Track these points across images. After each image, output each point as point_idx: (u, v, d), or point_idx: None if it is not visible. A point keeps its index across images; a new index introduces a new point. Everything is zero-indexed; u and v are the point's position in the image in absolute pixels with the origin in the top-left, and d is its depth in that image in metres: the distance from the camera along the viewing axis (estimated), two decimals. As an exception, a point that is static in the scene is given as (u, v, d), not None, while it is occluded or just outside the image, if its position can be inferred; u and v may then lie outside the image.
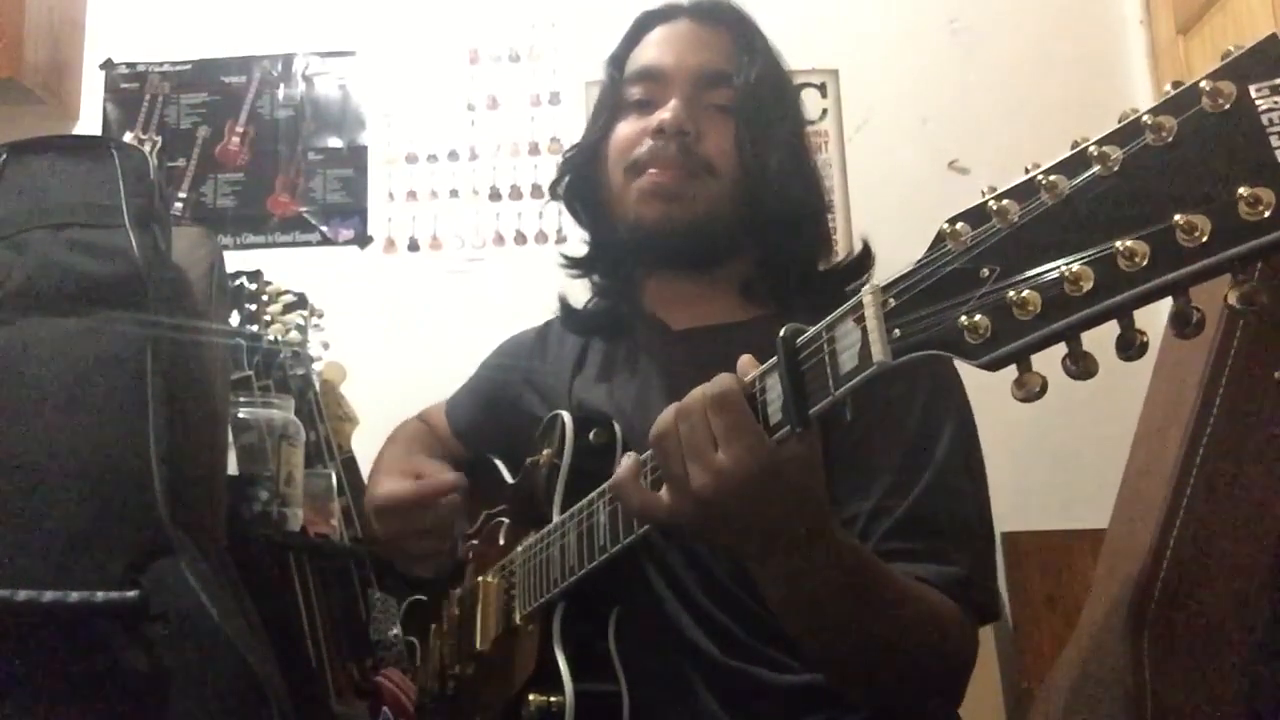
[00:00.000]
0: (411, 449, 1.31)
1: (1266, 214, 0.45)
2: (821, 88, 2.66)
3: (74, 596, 0.98)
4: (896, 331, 0.61)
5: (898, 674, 0.88)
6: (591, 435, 1.04)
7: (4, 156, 1.19)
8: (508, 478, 1.22)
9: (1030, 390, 0.55)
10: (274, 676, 1.03)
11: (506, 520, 1.18)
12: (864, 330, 0.63)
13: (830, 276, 1.14)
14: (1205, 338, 0.91)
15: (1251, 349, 0.89)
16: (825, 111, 2.65)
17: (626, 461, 0.82)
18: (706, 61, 1.12)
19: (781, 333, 0.71)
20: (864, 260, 1.12)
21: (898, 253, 0.64)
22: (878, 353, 0.62)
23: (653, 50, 1.15)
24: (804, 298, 1.06)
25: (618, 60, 1.19)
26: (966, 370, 1.01)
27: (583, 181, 1.21)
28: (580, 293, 1.28)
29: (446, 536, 1.19)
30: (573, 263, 1.25)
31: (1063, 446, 2.36)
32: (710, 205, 1.08)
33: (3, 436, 1.05)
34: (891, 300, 0.62)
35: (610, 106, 1.17)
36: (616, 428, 1.04)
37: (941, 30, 2.68)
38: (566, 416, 1.06)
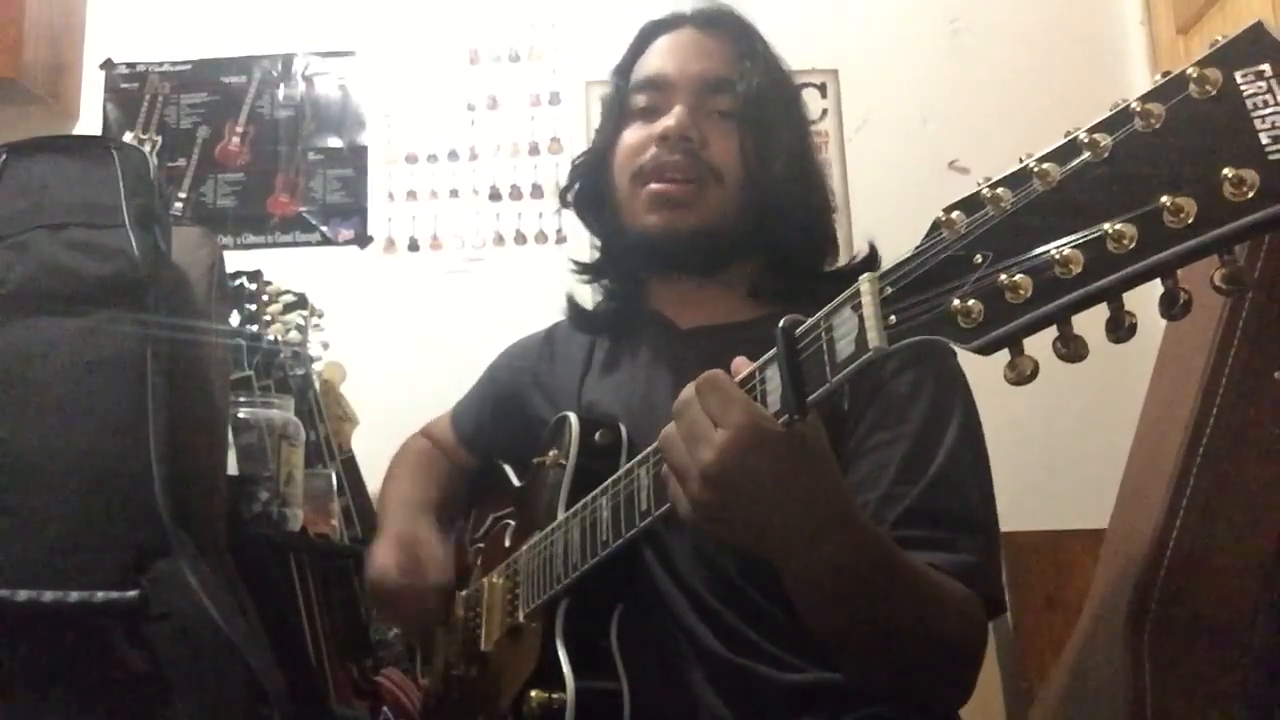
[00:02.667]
0: (416, 486, 1.31)
1: (1250, 195, 0.46)
2: (821, 88, 2.66)
3: (74, 596, 0.98)
4: (893, 318, 0.62)
5: (916, 659, 0.88)
6: (597, 436, 1.05)
7: (4, 157, 1.19)
8: (514, 481, 1.22)
9: (1022, 373, 0.56)
10: (274, 676, 1.03)
11: (513, 522, 1.18)
12: (861, 317, 0.64)
13: (837, 277, 1.14)
14: (1205, 338, 0.91)
15: (1251, 349, 0.89)
16: (825, 111, 2.65)
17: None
18: (709, 69, 1.12)
19: (780, 323, 0.72)
20: (871, 261, 1.12)
21: (898, 252, 0.64)
22: (874, 339, 0.63)
23: (657, 59, 1.16)
24: (810, 297, 1.06)
25: (623, 70, 1.20)
26: (968, 368, 1.02)
27: (591, 189, 1.22)
28: (587, 293, 1.28)
29: (434, 618, 1.23)
30: (583, 268, 1.25)
31: (1063, 446, 2.37)
32: (717, 211, 1.09)
33: (3, 436, 1.05)
34: (888, 288, 0.63)
35: (616, 115, 1.18)
36: (622, 429, 1.05)
37: (941, 30, 2.68)
38: (573, 418, 1.07)
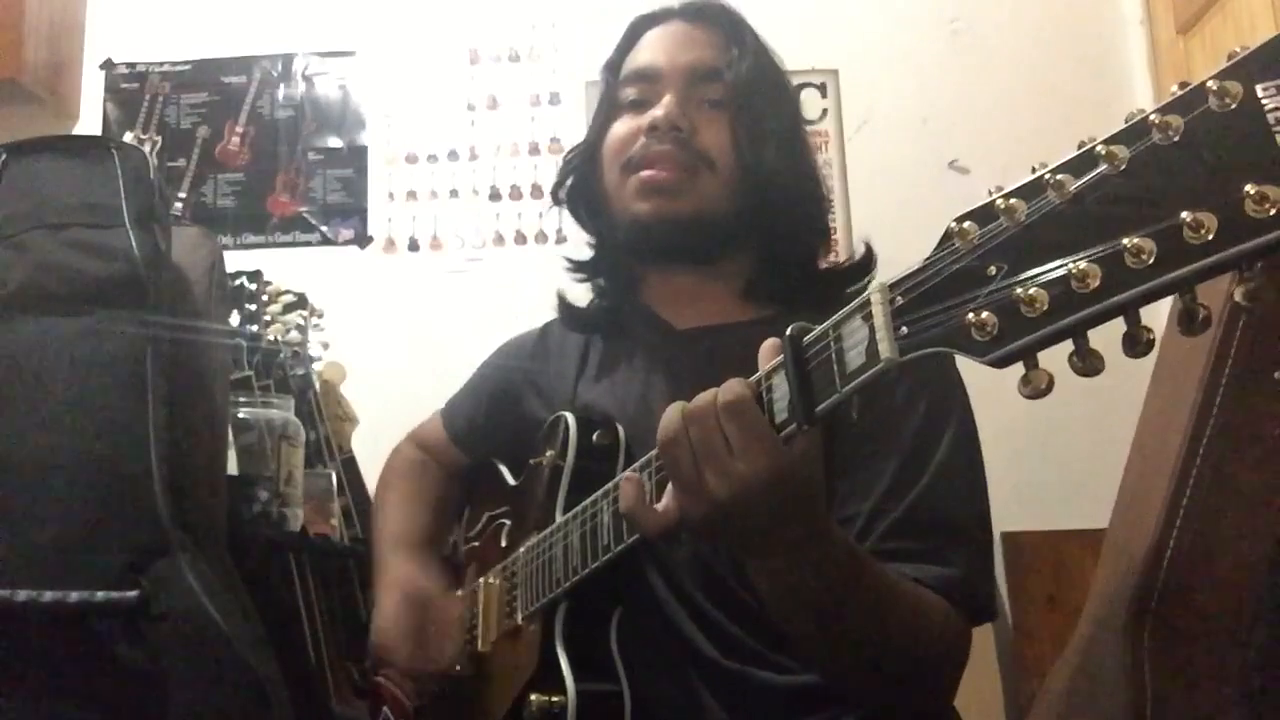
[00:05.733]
0: (413, 513, 1.29)
1: (1273, 211, 0.45)
2: (821, 88, 2.66)
3: (74, 596, 0.98)
4: (904, 329, 0.61)
5: (886, 672, 0.88)
6: (595, 436, 1.04)
7: (4, 157, 1.19)
8: (509, 480, 1.22)
9: (1037, 387, 0.55)
10: (274, 676, 1.03)
11: (508, 522, 1.18)
12: (871, 328, 0.63)
13: (833, 278, 1.14)
14: (1205, 338, 0.91)
15: (1251, 349, 0.89)
16: (825, 111, 2.65)
17: (628, 488, 0.81)
18: (698, 59, 1.12)
19: (788, 331, 0.71)
20: (867, 263, 1.12)
21: (898, 252, 0.64)
22: (885, 350, 0.62)
23: (646, 52, 1.16)
24: (807, 299, 1.06)
25: (613, 65, 1.20)
26: (969, 370, 1.02)
27: (582, 183, 1.21)
28: (579, 292, 1.28)
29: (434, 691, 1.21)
30: (577, 266, 1.25)
31: (1063, 446, 2.37)
32: (708, 199, 1.08)
33: (3, 436, 1.05)
34: (899, 298, 0.62)
35: (607, 108, 1.18)
36: (619, 429, 1.04)
37: (941, 30, 2.68)
38: (570, 418, 1.07)
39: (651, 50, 1.15)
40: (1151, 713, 0.90)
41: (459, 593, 1.21)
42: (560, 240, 2.60)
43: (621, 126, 1.13)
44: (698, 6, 1.17)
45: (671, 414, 0.75)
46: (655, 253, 1.14)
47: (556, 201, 1.26)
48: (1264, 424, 0.89)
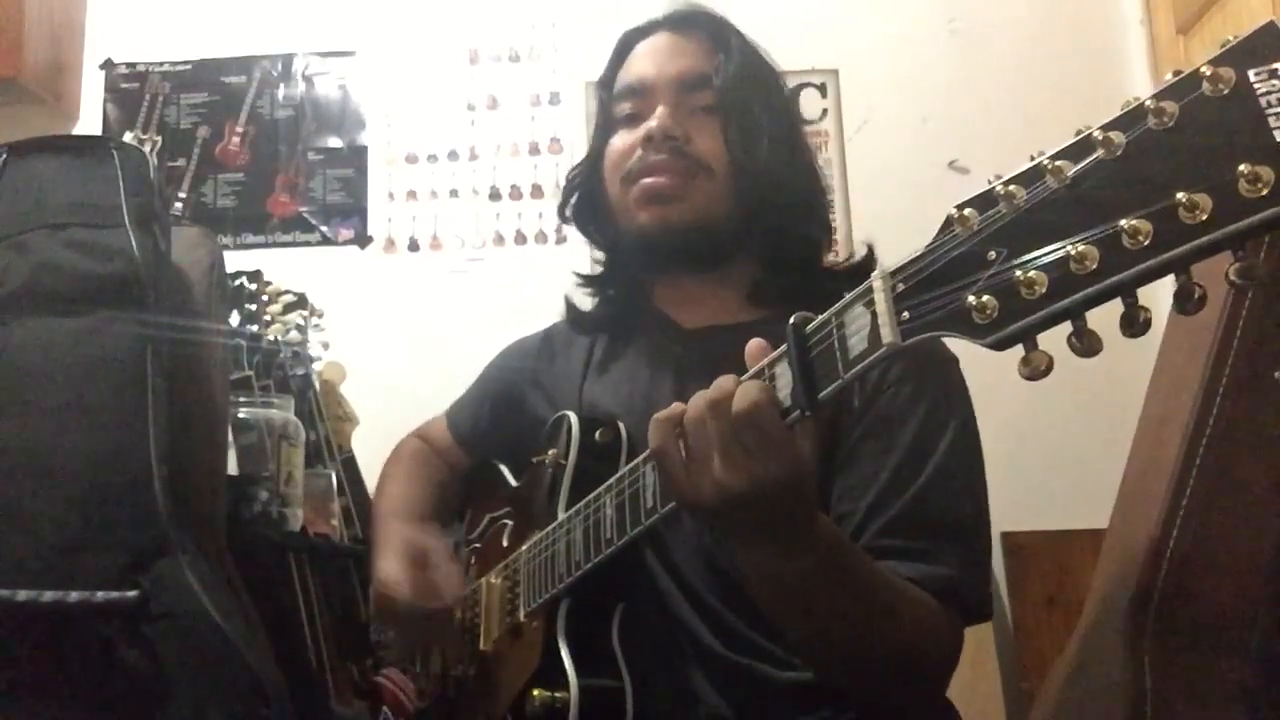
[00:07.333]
0: (413, 489, 1.30)
1: (1265, 191, 0.46)
2: (821, 88, 2.66)
3: (74, 596, 0.98)
4: (905, 314, 0.62)
5: (872, 668, 0.89)
6: (597, 435, 1.05)
7: (4, 157, 1.19)
8: (511, 481, 1.22)
9: (1036, 369, 0.56)
10: (274, 676, 1.03)
11: (510, 522, 1.18)
12: (873, 314, 0.64)
13: (836, 278, 1.14)
14: (1205, 338, 0.91)
15: (1251, 349, 0.89)
16: (825, 111, 2.65)
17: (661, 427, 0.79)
18: (687, 67, 1.14)
19: (792, 320, 0.72)
20: (868, 264, 1.12)
21: (898, 253, 0.64)
22: (887, 335, 0.63)
23: (636, 66, 1.17)
24: (812, 299, 1.07)
25: (606, 82, 1.22)
26: (970, 370, 1.02)
27: (587, 199, 1.23)
28: (585, 294, 1.28)
29: (442, 636, 1.22)
30: (588, 281, 1.26)
31: (1063, 446, 2.37)
32: (708, 203, 1.09)
33: (3, 437, 1.05)
34: (900, 284, 0.63)
35: (603, 125, 1.20)
36: (622, 428, 1.05)
37: (941, 30, 2.68)
38: (572, 417, 1.07)
39: (641, 64, 1.17)
40: (1151, 712, 0.90)
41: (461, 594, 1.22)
42: (560, 240, 2.60)
43: (619, 141, 1.15)
44: (682, 15, 1.19)
45: (696, 401, 0.75)
46: (661, 260, 1.15)
47: (564, 219, 1.27)
48: (1264, 424, 0.89)
